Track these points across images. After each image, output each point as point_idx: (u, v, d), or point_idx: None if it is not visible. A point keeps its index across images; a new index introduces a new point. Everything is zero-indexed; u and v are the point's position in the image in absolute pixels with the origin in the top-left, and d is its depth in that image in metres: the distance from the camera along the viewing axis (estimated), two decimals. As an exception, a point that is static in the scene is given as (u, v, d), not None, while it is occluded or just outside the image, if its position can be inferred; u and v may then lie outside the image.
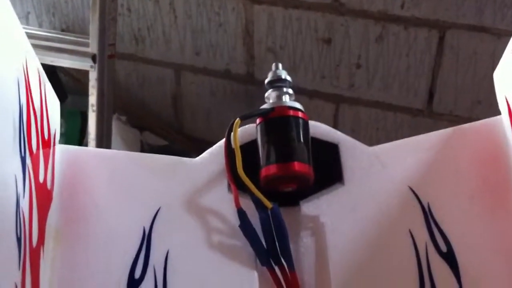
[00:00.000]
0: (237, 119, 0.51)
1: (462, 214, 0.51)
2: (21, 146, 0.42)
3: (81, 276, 0.49)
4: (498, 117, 0.53)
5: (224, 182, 0.53)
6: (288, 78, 0.56)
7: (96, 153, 0.55)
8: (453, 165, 0.53)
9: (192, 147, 1.56)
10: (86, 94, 1.16)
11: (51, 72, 1.54)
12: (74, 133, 1.47)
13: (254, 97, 1.46)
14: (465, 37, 1.21)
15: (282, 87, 0.55)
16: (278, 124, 0.52)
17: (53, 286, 0.48)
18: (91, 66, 1.13)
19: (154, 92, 1.58)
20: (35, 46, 1.21)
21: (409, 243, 0.50)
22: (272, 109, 0.53)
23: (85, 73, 1.18)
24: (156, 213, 0.52)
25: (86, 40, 1.13)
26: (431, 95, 1.31)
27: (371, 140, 1.39)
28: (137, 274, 0.49)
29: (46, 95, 0.50)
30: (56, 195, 0.51)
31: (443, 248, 0.50)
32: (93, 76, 1.13)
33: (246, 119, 0.52)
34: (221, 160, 0.52)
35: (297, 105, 0.54)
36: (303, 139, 0.52)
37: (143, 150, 1.50)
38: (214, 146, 0.54)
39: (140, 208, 0.52)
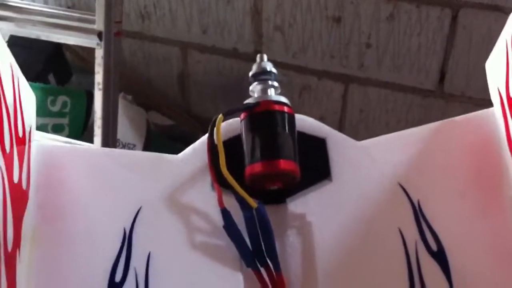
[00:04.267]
0: (220, 115, 0.49)
1: (453, 211, 0.50)
2: None
3: (60, 279, 0.48)
4: (490, 109, 0.51)
5: (208, 180, 0.51)
6: (274, 70, 0.54)
7: (74, 150, 0.54)
8: (444, 160, 0.52)
9: (198, 127, 1.56)
10: (91, 73, 1.15)
11: (57, 50, 1.54)
12: (79, 113, 1.46)
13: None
14: (479, 16, 1.19)
15: (267, 80, 0.53)
16: (263, 120, 0.51)
17: None
18: (98, 44, 1.12)
19: (161, 71, 1.57)
20: (41, 23, 1.20)
21: (399, 242, 0.49)
22: (256, 104, 0.51)
23: (91, 51, 1.17)
24: (137, 213, 0.50)
25: (92, 17, 1.12)
26: (442, 76, 1.29)
27: (380, 121, 1.37)
28: (118, 278, 0.48)
29: (20, 91, 0.48)
30: (32, 195, 0.49)
31: (434, 247, 0.48)
32: (99, 54, 1.12)
33: (229, 115, 0.51)
34: (204, 157, 0.51)
35: (283, 99, 0.52)
36: (289, 135, 0.51)
37: (149, 129, 1.49)
38: (197, 142, 0.53)
39: (120, 207, 0.50)
